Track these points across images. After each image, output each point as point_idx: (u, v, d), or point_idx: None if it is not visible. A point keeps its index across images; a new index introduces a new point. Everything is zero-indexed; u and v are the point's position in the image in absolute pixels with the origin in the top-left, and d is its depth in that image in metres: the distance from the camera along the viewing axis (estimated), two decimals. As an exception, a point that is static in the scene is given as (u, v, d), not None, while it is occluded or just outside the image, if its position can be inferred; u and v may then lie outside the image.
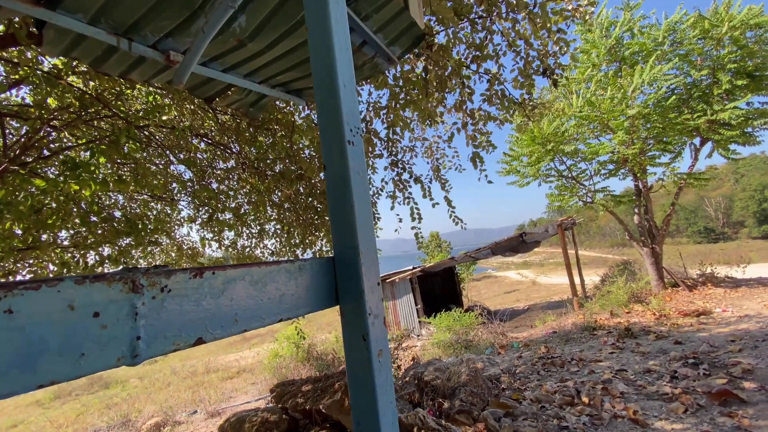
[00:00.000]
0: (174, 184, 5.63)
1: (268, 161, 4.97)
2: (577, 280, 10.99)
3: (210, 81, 1.51)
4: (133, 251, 5.33)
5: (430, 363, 4.75)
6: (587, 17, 3.70)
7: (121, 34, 1.14)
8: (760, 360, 3.94)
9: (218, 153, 5.32)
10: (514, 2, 3.29)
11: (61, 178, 3.02)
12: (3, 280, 4.03)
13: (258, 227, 6.16)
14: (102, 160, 4.33)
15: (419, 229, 4.87)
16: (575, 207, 9.80)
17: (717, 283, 8.42)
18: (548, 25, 3.68)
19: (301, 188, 5.08)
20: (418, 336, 12.47)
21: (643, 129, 7.88)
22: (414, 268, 13.20)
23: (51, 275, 3.95)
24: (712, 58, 7.76)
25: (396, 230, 4.97)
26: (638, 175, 8.64)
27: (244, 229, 6.10)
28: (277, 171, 4.98)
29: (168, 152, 4.99)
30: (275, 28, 1.26)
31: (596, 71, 8.51)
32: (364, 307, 0.73)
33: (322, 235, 5.22)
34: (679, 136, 8.00)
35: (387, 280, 13.50)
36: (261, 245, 6.49)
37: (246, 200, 5.65)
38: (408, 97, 3.85)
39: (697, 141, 8.48)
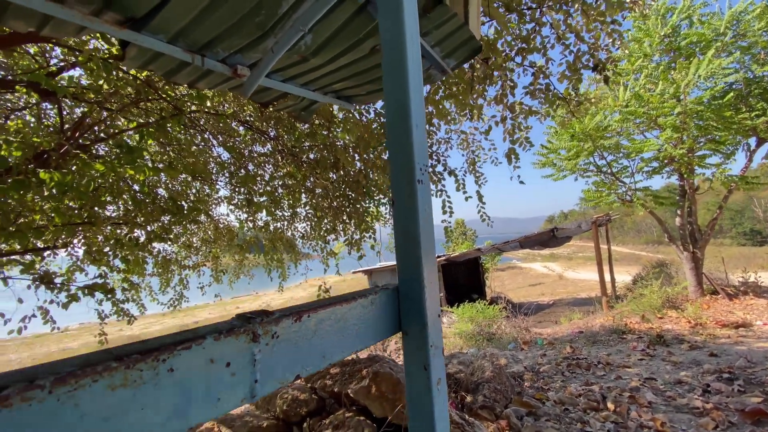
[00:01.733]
0: (212, 164, 5.87)
1: (304, 148, 5.07)
2: (607, 278, 10.67)
3: (268, 89, 1.57)
4: (174, 227, 5.64)
5: (453, 356, 4.83)
6: (646, 10, 3.47)
7: (195, 51, 1.20)
8: (804, 381, 3.76)
9: (257, 138, 5.46)
10: (569, -6, 3.13)
11: (116, 161, 3.21)
12: (64, 251, 4.40)
13: (290, 210, 6.33)
14: (150, 141, 4.55)
15: (449, 222, 4.87)
16: (613, 204, 9.39)
17: (760, 293, 7.95)
18: (602, 17, 3.49)
19: (334, 176, 5.17)
20: (439, 323, 12.59)
21: (694, 127, 7.37)
22: (439, 257, 13.21)
23: (106, 250, 4.28)
24: (780, 52, 7.10)
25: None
26: (685, 175, 8.14)
27: (278, 211, 6.29)
28: (312, 158, 5.08)
29: (209, 135, 5.20)
30: (338, 45, 1.29)
31: (647, 62, 7.97)
32: (426, 339, 0.78)
33: (353, 223, 5.31)
34: (734, 135, 7.44)
35: (411, 267, 13.61)
36: (292, 227, 6.70)
37: (280, 183, 5.80)
38: (449, 90, 3.79)
39: (752, 141, 7.87)
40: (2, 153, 2.69)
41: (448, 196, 4.88)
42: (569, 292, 18.99)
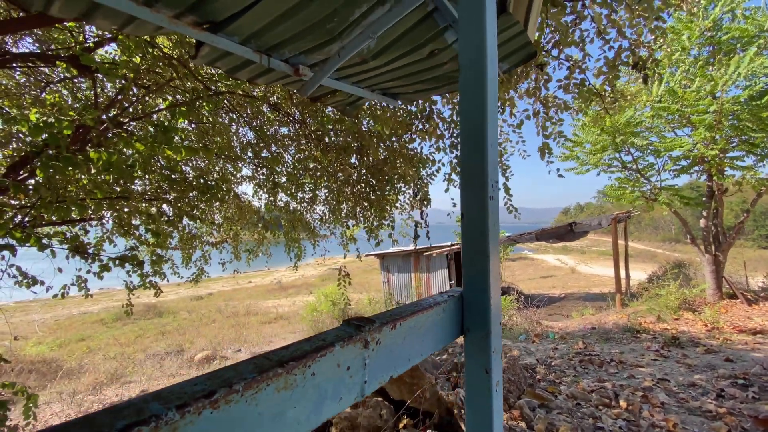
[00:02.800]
0: (236, 143, 5.96)
1: (329, 133, 5.10)
2: (622, 274, 10.59)
3: (321, 86, 1.61)
4: (201, 205, 5.80)
5: (468, 345, 4.94)
6: (694, 8, 3.34)
7: (263, 52, 1.24)
8: (822, 393, 3.75)
9: (282, 120, 5.50)
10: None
11: (152, 140, 3.30)
12: (96, 221, 4.58)
13: (311, 194, 6.41)
14: (180, 120, 4.65)
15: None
16: (635, 202, 9.22)
17: (782, 299, 7.81)
18: (648, 12, 3.37)
19: (356, 161, 5.20)
20: (449, 310, 12.76)
21: (728, 126, 7.10)
22: (452, 245, 13.26)
23: (136, 223, 4.46)
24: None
25: (449, 214, 5.01)
26: (714, 176, 7.90)
27: (299, 193, 6.37)
28: (337, 143, 5.12)
29: (235, 115, 5.27)
30: (399, 49, 1.31)
31: (685, 56, 7.64)
32: (489, 345, 0.84)
33: (373, 210, 5.36)
34: (769, 138, 7.17)
35: (424, 254, 13.70)
36: (311, 209, 6.80)
37: (303, 166, 5.86)
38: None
39: (789, 144, 7.56)
40: (51, 129, 2.81)
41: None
42: (581, 287, 18.88)
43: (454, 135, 4.96)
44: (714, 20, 7.29)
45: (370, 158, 5.03)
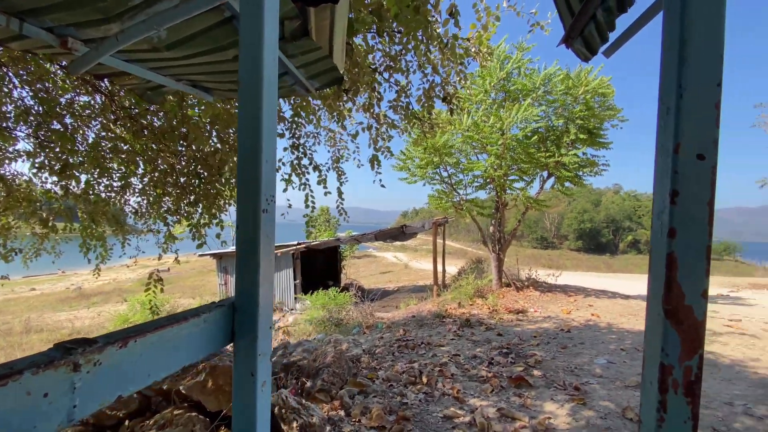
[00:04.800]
0: (9, 107, 4.50)
1: (147, 113, 4.38)
2: (440, 269, 12.68)
3: (104, 65, 1.39)
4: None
5: (300, 344, 5.02)
6: (485, 62, 4.31)
7: (14, 15, 0.99)
8: (547, 353, 5.35)
9: (81, 87, 4.43)
10: (429, 33, 3.62)
11: None
12: None
13: (122, 181, 5.37)
14: None
15: (311, 217, 5.00)
16: (448, 210, 11.22)
17: (537, 286, 10.79)
18: (453, 58, 4.14)
19: (183, 150, 4.64)
20: (292, 310, 12.65)
21: (509, 157, 9.46)
22: (299, 244, 13.20)
23: None
24: (569, 111, 9.67)
25: (282, 215, 4.98)
26: (499, 193, 10.37)
27: (104, 179, 5.24)
28: (156, 126, 4.45)
29: (7, 71, 3.97)
30: (197, 47, 1.25)
31: (486, 97, 9.75)
32: (256, 349, 0.90)
33: (201, 207, 4.86)
34: (534, 168, 9.85)
35: (267, 252, 13.19)
36: (122, 201, 5.68)
37: (110, 147, 4.86)
38: (321, 92, 3.88)
39: (545, 174, 10.55)
40: None
41: (312, 191, 4.99)
42: (411, 280, 21.59)
43: (296, 136, 4.98)
44: (507, 73, 9.55)
45: (201, 147, 4.55)
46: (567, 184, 10.30)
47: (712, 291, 13.45)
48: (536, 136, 9.58)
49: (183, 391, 3.22)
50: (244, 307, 0.91)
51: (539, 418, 3.38)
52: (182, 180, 4.87)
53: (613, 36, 1.35)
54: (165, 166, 4.63)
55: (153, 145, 4.48)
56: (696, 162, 0.69)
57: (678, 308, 0.71)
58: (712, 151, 0.69)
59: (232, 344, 0.94)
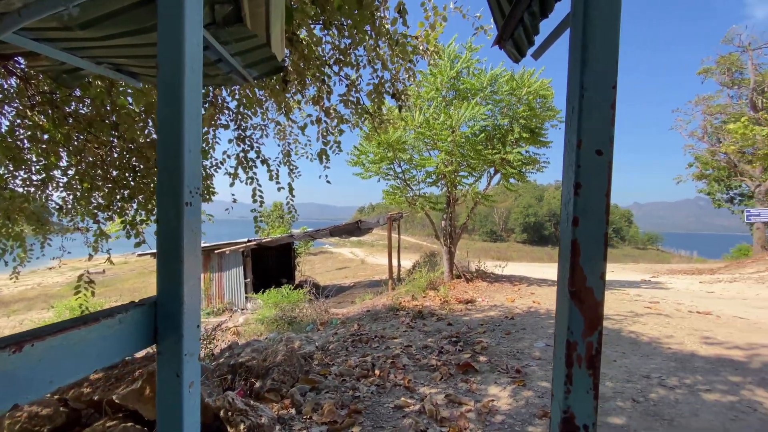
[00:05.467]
0: None
1: (70, 99, 3.97)
2: (395, 263, 12.87)
3: (7, 43, 1.23)
4: None
5: (249, 344, 4.86)
6: (432, 61, 4.41)
7: None
8: (493, 340, 5.64)
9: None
10: (378, 28, 3.62)
11: None
12: None
13: (42, 174, 4.84)
14: None
15: (259, 212, 4.83)
16: (402, 205, 11.40)
17: (485, 277, 11.31)
18: (402, 55, 4.18)
19: (114, 141, 4.28)
20: (242, 310, 12.18)
21: (459, 154, 9.80)
22: (249, 241, 12.71)
23: None
24: (513, 111, 10.18)
25: (227, 210, 4.78)
26: (450, 188, 10.72)
27: (21, 172, 4.70)
28: (83, 114, 4.05)
29: None
30: (115, 27, 1.16)
31: (438, 95, 9.99)
32: (181, 349, 0.86)
33: (137, 203, 4.51)
34: (482, 164, 10.29)
35: (216, 251, 12.57)
36: (43, 196, 5.12)
37: (28, 135, 4.36)
38: (264, 82, 3.75)
39: (492, 170, 11.06)
40: None
41: (260, 185, 4.81)
42: (368, 275, 21.68)
43: (242, 128, 4.77)
44: (457, 72, 9.84)
45: (135, 138, 4.21)
46: (512, 180, 10.87)
47: (637, 277, 14.97)
48: (483, 134, 10.00)
49: (117, 401, 3.00)
50: (168, 306, 0.86)
51: (483, 401, 3.56)
52: (114, 173, 4.49)
53: (539, 39, 1.44)
54: (93, 158, 4.23)
55: (78, 135, 4.08)
56: (595, 157, 0.77)
57: (581, 290, 0.78)
58: (608, 147, 0.77)
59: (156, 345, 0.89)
